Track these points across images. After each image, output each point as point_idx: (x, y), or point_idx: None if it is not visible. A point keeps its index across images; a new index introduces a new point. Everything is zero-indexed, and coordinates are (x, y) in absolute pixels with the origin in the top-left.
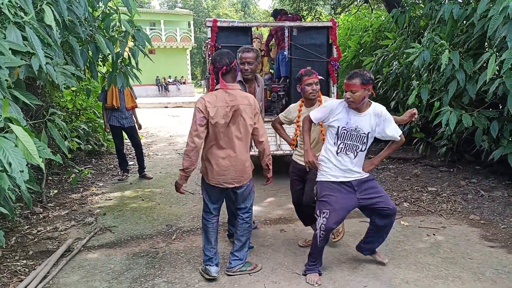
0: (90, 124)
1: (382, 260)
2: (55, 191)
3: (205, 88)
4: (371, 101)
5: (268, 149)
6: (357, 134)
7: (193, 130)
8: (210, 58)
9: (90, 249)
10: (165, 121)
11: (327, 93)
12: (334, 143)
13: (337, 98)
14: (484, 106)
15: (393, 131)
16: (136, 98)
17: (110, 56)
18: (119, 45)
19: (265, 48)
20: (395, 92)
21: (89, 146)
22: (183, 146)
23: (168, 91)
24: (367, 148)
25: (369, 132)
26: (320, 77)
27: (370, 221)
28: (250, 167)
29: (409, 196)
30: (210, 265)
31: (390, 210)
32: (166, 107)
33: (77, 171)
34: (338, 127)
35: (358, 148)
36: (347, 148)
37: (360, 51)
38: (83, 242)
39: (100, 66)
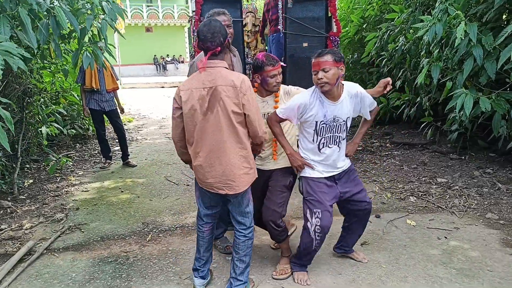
0: (75, 107)
1: (361, 259)
2: (30, 181)
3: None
4: (343, 82)
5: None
6: (336, 125)
7: (172, 124)
8: (195, 35)
9: (54, 252)
10: (160, 101)
11: None
12: (313, 140)
13: None
14: (504, 88)
15: (372, 106)
16: (117, 79)
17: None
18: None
19: (260, 29)
20: (401, 70)
21: (72, 130)
22: None
23: (166, 70)
24: (347, 132)
25: (348, 117)
26: (282, 64)
27: (344, 217)
28: (246, 168)
29: (416, 189)
30: (195, 276)
31: (367, 204)
32: (163, 87)
33: (55, 159)
34: (316, 122)
35: (340, 138)
36: (329, 141)
37: (364, 26)
38: (46, 244)
39: (67, 43)
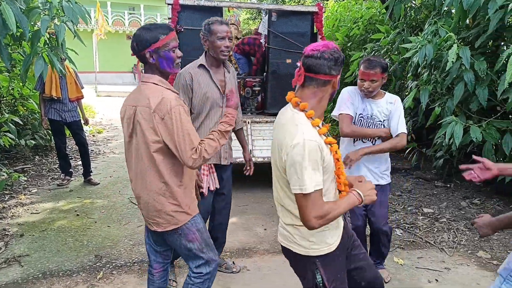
0: (36, 115)
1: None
2: None
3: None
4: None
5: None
6: (373, 122)
7: None
8: None
9: None
10: None
11: None
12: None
13: None
14: (496, 116)
15: (397, 125)
16: (82, 88)
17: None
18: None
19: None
20: None
21: (31, 141)
22: None
23: None
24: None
25: (384, 120)
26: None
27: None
28: (173, 205)
29: (402, 220)
30: None
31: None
32: None
33: (6, 173)
34: (356, 113)
35: (375, 139)
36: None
37: (348, 45)
38: None
39: (18, 46)
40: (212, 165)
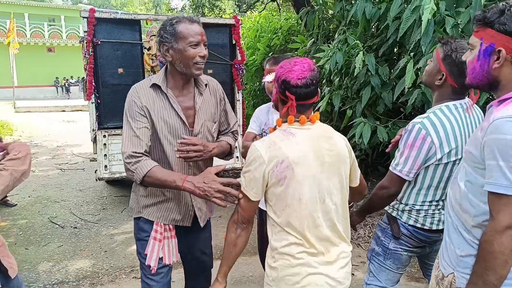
0: None
1: None
2: None
3: (83, 92)
4: None
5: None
6: None
7: None
8: (86, 56)
9: None
10: (57, 127)
11: (232, 100)
12: None
13: (242, 106)
14: (399, 117)
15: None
16: None
17: None
18: None
19: None
20: None
21: None
22: (70, 159)
23: (70, 92)
24: None
25: None
26: None
27: None
28: None
29: None
30: None
31: None
32: (64, 110)
33: None
34: (261, 129)
35: None
36: None
37: (269, 54)
38: None
39: None
40: (171, 226)
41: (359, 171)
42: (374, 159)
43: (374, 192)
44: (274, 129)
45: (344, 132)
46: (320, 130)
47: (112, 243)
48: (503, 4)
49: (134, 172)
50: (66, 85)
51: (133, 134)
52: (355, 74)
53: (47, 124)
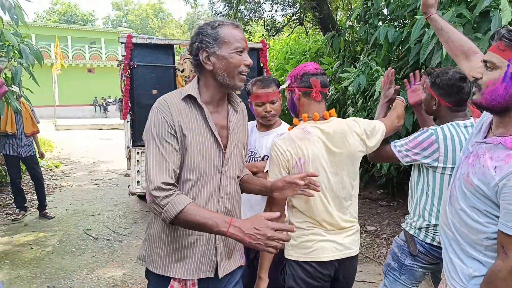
0: None
1: None
2: None
3: (119, 111)
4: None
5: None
6: (254, 158)
7: None
8: (123, 78)
9: None
10: (94, 145)
11: None
12: None
13: None
14: None
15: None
16: (38, 122)
17: None
18: None
19: None
20: None
21: None
22: (105, 175)
23: (107, 111)
24: None
25: (265, 156)
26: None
27: None
28: None
29: None
30: None
31: None
32: (101, 129)
33: None
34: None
35: None
36: None
37: None
38: None
39: None
40: (194, 281)
41: (378, 142)
42: (400, 179)
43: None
44: (293, 127)
45: None
46: (335, 127)
47: None
48: None
49: (163, 209)
50: (104, 104)
51: (162, 160)
52: (375, 97)
53: (85, 141)
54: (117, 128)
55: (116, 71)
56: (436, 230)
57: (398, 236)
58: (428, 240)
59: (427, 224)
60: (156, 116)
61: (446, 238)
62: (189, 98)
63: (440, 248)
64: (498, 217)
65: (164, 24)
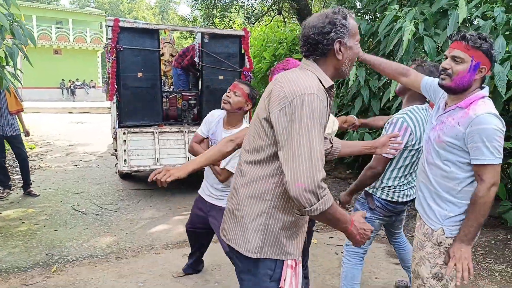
0: None
1: None
2: None
3: (105, 93)
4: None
5: None
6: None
7: None
8: (110, 61)
9: None
10: (67, 128)
11: None
12: None
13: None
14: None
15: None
16: (22, 101)
17: None
18: None
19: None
20: None
21: None
22: (83, 157)
23: (75, 95)
24: None
25: None
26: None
27: None
28: None
29: None
30: None
31: None
32: (71, 112)
33: None
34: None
35: None
36: None
37: (275, 63)
38: None
39: None
40: (299, 260)
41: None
42: (365, 159)
43: (362, 173)
44: None
45: (341, 136)
46: None
47: (132, 227)
48: (484, 34)
49: (319, 201)
50: (72, 87)
51: (320, 152)
52: (349, 86)
53: (56, 124)
54: (88, 112)
55: (85, 53)
56: (390, 189)
57: (359, 196)
58: (383, 197)
59: (384, 185)
60: (318, 105)
61: (426, 189)
62: (324, 88)
63: (393, 202)
64: (467, 163)
65: (134, 6)
